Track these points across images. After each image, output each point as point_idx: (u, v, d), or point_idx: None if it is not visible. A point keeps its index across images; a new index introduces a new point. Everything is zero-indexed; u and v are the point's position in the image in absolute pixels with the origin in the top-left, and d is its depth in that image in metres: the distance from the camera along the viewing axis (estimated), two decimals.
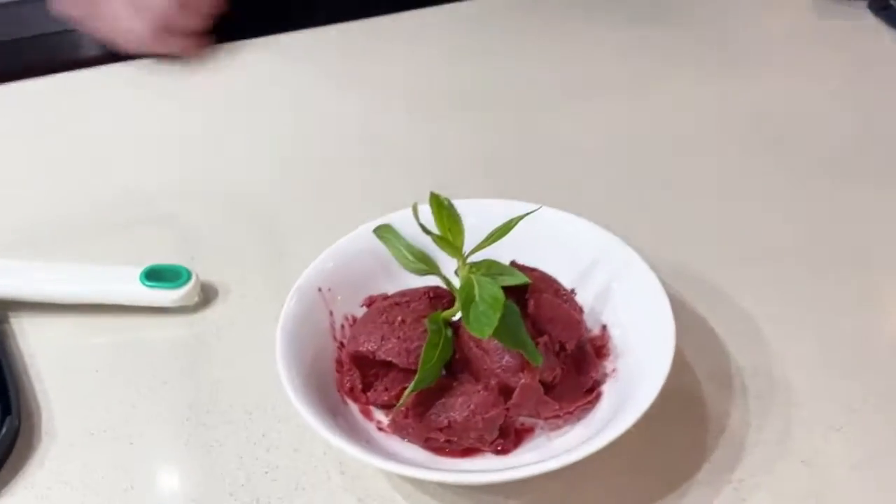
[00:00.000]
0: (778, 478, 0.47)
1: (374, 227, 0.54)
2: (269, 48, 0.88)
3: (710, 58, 0.84)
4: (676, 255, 0.60)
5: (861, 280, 0.59)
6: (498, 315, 0.44)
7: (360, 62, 0.86)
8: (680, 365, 0.52)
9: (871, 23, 0.87)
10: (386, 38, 0.90)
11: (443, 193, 0.50)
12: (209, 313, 0.59)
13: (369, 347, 0.49)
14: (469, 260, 0.49)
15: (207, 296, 0.60)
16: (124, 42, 0.83)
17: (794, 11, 0.92)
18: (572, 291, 0.52)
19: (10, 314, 0.59)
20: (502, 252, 0.50)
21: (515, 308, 0.47)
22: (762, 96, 0.78)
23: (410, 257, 0.50)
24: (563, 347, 0.49)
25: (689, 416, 0.51)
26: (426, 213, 0.50)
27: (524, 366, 0.47)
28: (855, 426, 0.50)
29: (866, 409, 0.51)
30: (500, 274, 0.48)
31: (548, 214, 0.54)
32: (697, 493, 0.47)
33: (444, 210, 0.49)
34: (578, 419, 0.49)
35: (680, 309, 0.50)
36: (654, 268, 0.51)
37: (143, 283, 0.58)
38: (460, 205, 0.51)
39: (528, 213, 0.50)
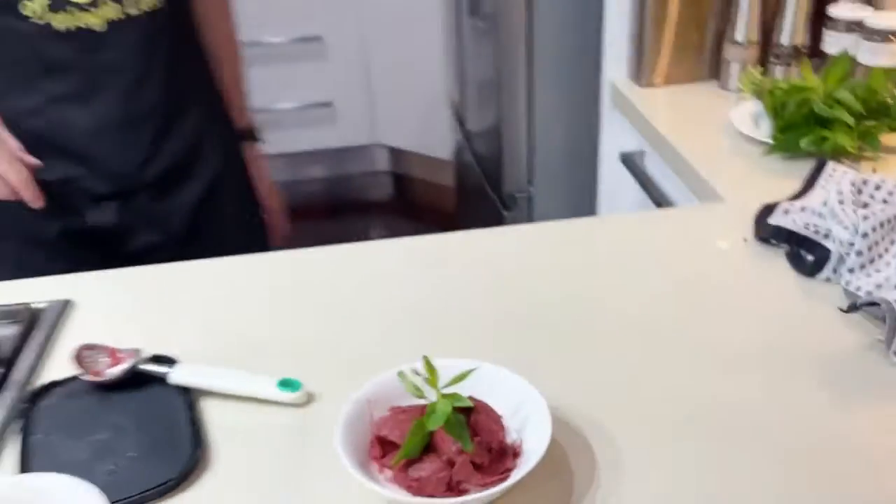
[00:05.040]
0: None
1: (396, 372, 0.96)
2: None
3: None
4: (577, 403, 0.98)
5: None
6: (444, 419, 0.85)
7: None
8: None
9: None
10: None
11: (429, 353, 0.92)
12: (311, 409, 1.02)
13: (385, 433, 0.90)
14: (444, 391, 0.90)
15: (310, 398, 1.03)
16: None
17: None
18: (500, 416, 0.91)
19: (200, 398, 1.04)
20: (470, 388, 0.91)
21: (462, 418, 0.87)
22: None
23: (414, 389, 0.91)
24: (489, 447, 0.88)
25: None
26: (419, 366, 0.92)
27: (463, 451, 0.86)
28: None
29: None
30: (458, 400, 0.89)
31: (488, 369, 0.95)
32: None
33: (431, 367, 0.91)
34: (496, 487, 0.87)
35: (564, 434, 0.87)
36: (554, 409, 0.90)
37: (277, 388, 1.02)
38: (440, 363, 0.92)
39: (470, 371, 0.91)
